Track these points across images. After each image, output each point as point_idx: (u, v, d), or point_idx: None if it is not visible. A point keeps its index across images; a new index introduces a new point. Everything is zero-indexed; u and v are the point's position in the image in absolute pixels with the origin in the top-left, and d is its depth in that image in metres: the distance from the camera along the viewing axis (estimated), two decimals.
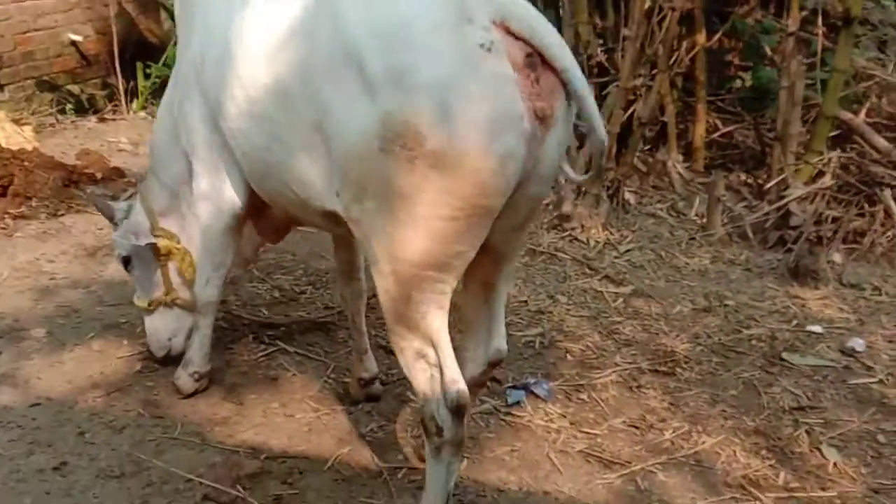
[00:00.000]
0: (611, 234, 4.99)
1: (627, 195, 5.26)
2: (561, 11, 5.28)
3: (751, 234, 4.91)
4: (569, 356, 3.74)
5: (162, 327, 3.47)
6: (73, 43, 7.12)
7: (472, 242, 2.25)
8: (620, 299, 4.29)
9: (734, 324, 4.06)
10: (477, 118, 2.06)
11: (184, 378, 3.31)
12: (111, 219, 3.47)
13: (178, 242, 3.37)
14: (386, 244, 2.24)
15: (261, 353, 3.64)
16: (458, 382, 2.31)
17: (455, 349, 2.37)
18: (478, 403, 3.31)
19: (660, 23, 5.08)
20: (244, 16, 2.68)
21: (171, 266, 3.39)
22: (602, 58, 5.28)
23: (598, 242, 4.89)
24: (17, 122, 6.17)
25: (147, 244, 3.33)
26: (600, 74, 5.34)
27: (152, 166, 3.44)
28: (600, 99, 5.30)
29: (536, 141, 2.15)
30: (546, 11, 5.43)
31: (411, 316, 2.29)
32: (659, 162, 5.63)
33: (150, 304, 3.43)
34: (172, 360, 3.46)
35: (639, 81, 4.93)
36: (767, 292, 4.40)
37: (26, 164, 5.01)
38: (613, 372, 3.60)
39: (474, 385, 2.62)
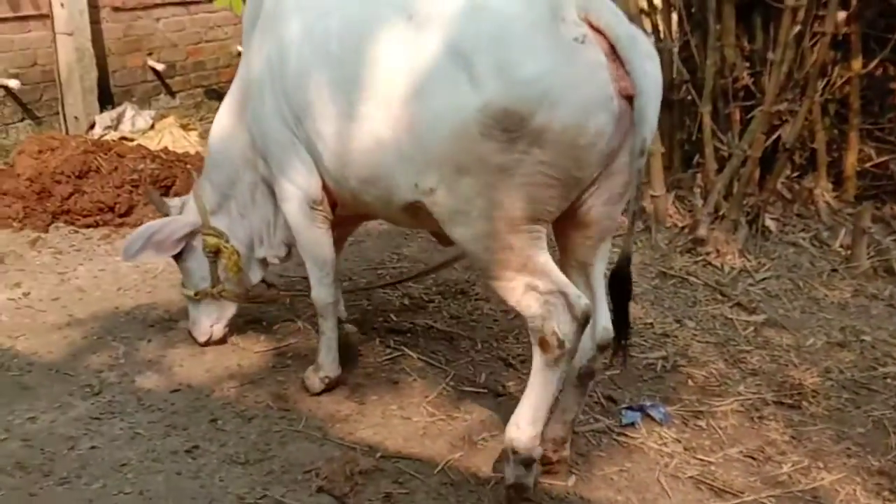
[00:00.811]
0: (747, 260, 4.87)
1: (769, 222, 5.12)
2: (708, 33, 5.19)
3: None
4: (690, 381, 3.70)
5: (205, 315, 3.72)
6: (241, 54, 7.54)
7: (563, 203, 2.55)
8: (751, 328, 4.20)
9: (869, 360, 3.91)
10: (576, 102, 2.36)
11: (313, 380, 3.47)
12: (166, 215, 3.70)
13: (227, 241, 3.59)
14: (483, 208, 2.51)
15: (385, 357, 3.77)
16: (581, 297, 2.57)
17: None
18: (591, 422, 3.34)
19: (811, 46, 4.94)
20: (333, 24, 2.86)
21: (221, 262, 3.62)
22: (749, 81, 5.16)
23: (732, 269, 4.79)
24: (184, 127, 6.64)
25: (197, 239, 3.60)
26: (746, 98, 5.23)
27: (206, 168, 3.68)
28: (744, 124, 5.20)
29: (626, 117, 2.42)
30: (694, 33, 5.39)
31: (515, 260, 2.56)
32: (805, 189, 5.45)
33: (196, 295, 3.67)
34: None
35: (783, 106, 4.79)
36: None
37: (189, 166, 5.36)
38: (735, 401, 3.54)
39: (586, 375, 2.86)
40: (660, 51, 5.55)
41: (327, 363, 3.45)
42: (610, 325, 2.81)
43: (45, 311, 4.05)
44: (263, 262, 3.74)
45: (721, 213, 4.95)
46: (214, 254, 3.61)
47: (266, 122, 3.20)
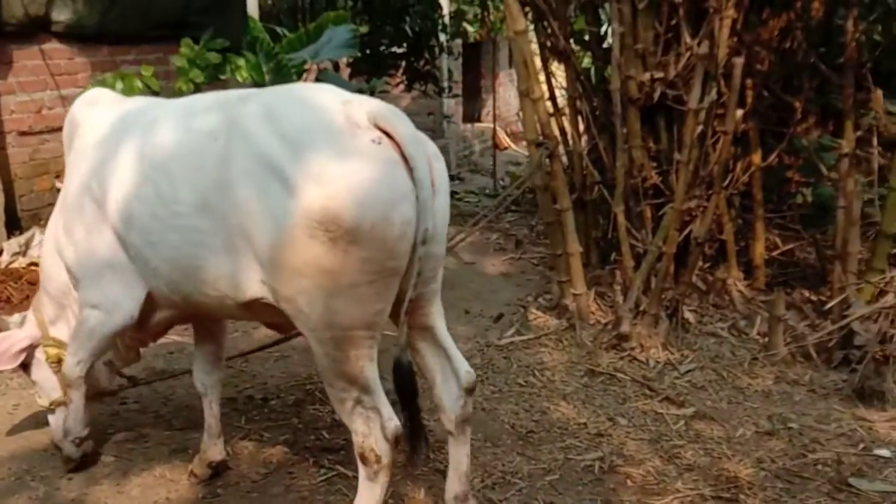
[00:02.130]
0: (671, 353, 4.96)
1: (687, 314, 5.24)
2: (615, 136, 5.40)
3: (814, 354, 4.83)
4: (629, 482, 3.69)
5: (61, 425, 3.71)
6: None
7: (388, 299, 2.75)
8: (682, 422, 4.25)
9: (799, 448, 3.97)
10: (380, 196, 2.58)
11: (67, 446, 3.63)
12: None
13: (66, 349, 3.61)
14: (320, 314, 2.69)
15: (320, 479, 3.67)
16: (393, 419, 2.82)
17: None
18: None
19: (713, 145, 5.17)
20: (153, 142, 3.07)
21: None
22: (657, 180, 5.36)
23: (657, 363, 4.87)
24: None
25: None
26: (655, 196, 5.42)
27: (42, 280, 3.75)
28: (656, 220, 5.37)
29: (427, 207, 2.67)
30: (601, 136, 5.59)
31: (350, 370, 2.76)
32: (718, 280, 5.62)
33: (51, 405, 3.71)
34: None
35: (693, 202, 4.98)
36: (833, 414, 4.30)
37: None
38: (675, 499, 3.54)
39: (462, 422, 3.13)
40: (570, 154, 5.83)
41: (75, 425, 3.60)
42: (471, 369, 3.13)
43: None
44: (111, 364, 3.83)
45: (641, 309, 5.05)
46: (57, 363, 3.64)
47: (81, 237, 3.33)
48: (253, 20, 9.21)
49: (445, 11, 11.52)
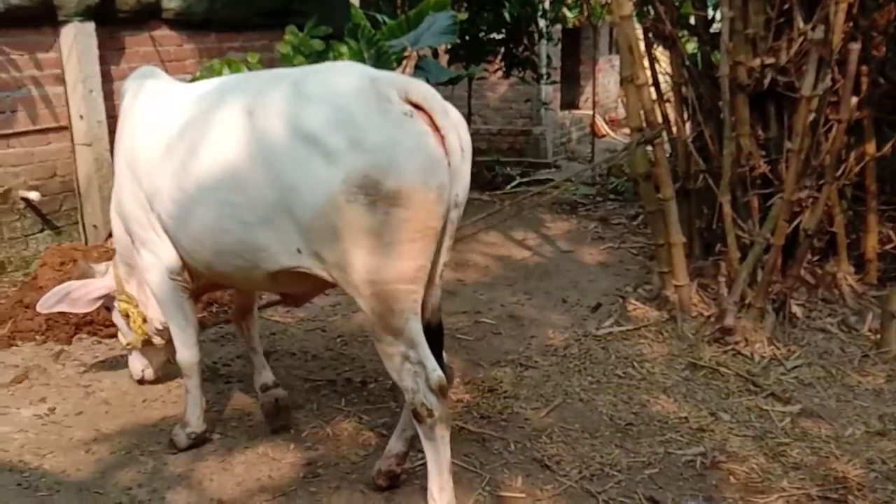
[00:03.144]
0: (777, 349, 4.81)
1: (794, 308, 5.07)
2: (722, 123, 5.25)
3: None
4: (732, 478, 3.61)
5: (136, 362, 4.28)
6: None
7: (428, 256, 2.94)
8: (787, 419, 4.12)
9: None
10: (417, 164, 2.80)
11: (180, 436, 3.79)
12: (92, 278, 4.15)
13: (136, 305, 4.00)
14: (367, 272, 2.88)
15: (418, 462, 3.68)
16: (437, 370, 2.94)
17: None
18: None
19: (826, 133, 4.98)
20: (172, 126, 3.32)
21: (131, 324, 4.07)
22: (765, 169, 5.19)
23: (763, 357, 4.73)
24: None
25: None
26: (763, 185, 5.25)
27: (114, 242, 4.06)
28: (763, 211, 5.21)
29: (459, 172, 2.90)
30: (707, 123, 5.45)
31: (395, 324, 2.94)
32: (828, 274, 5.42)
33: (127, 345, 4.18)
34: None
35: (804, 193, 4.80)
36: None
37: None
38: (780, 497, 3.45)
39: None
40: (673, 141, 5.70)
41: (193, 419, 3.79)
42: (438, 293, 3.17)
43: (72, 427, 4.00)
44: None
45: (747, 302, 4.91)
46: (126, 317, 4.06)
47: (127, 206, 3.63)
48: (354, 7, 9.30)
49: None
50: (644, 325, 5.23)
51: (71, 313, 4.94)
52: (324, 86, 2.97)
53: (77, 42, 6.24)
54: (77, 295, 4.01)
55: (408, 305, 2.93)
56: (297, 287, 3.45)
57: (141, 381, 4.32)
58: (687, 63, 5.69)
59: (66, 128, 6.42)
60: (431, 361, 2.96)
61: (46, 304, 3.97)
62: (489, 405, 4.24)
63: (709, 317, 5.09)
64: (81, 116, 6.37)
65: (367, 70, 3.07)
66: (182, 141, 3.25)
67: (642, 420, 4.11)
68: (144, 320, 4.00)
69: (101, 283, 4.07)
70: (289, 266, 3.08)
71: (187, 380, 3.80)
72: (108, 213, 6.42)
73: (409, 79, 3.03)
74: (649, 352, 4.88)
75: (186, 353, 3.75)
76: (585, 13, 16.43)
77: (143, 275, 3.74)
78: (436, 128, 2.86)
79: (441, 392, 2.94)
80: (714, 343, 4.88)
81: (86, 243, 6.32)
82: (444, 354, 3.18)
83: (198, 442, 3.81)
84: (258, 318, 4.25)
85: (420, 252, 2.90)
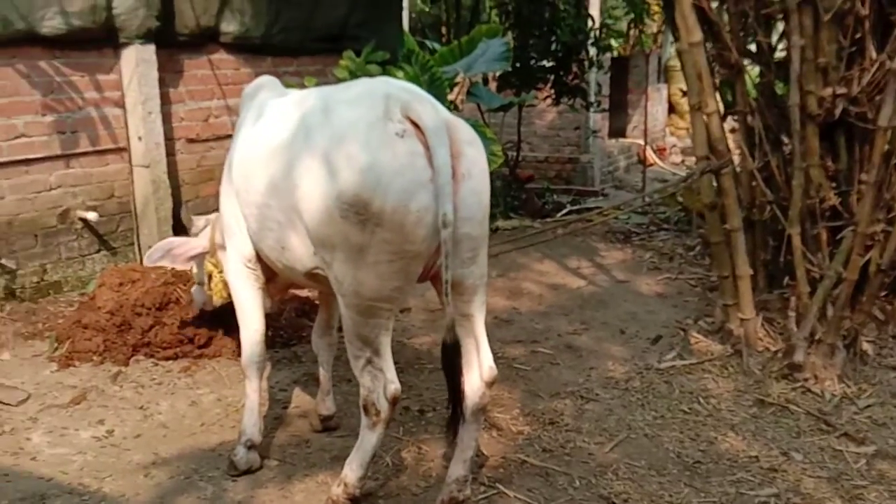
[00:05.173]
0: (847, 387, 4.66)
1: (865, 345, 4.92)
2: (791, 153, 5.13)
3: None
4: None
5: (199, 295, 4.63)
6: None
7: (407, 278, 3.08)
8: (863, 460, 3.97)
9: None
10: (399, 186, 2.88)
11: (239, 452, 3.76)
12: (189, 229, 4.38)
13: (220, 271, 4.09)
14: (350, 283, 3.06)
15: (481, 496, 3.60)
16: (394, 382, 3.19)
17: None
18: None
19: None
20: (252, 132, 3.52)
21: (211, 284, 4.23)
22: (836, 201, 5.06)
23: (833, 395, 4.57)
24: None
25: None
26: (833, 218, 5.11)
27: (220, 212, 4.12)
28: (833, 244, 5.07)
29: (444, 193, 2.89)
30: (774, 153, 5.32)
31: (367, 334, 3.14)
32: None
33: (199, 282, 4.51)
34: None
35: (878, 227, 4.66)
36: None
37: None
38: None
39: (477, 409, 3.34)
40: (737, 172, 5.58)
41: (249, 426, 3.80)
42: (494, 365, 3.32)
43: (130, 450, 3.96)
44: None
45: (817, 338, 4.76)
46: (209, 277, 4.24)
47: (223, 195, 3.80)
48: (406, 34, 9.32)
49: (597, 24, 11.31)
50: (708, 359, 5.10)
51: (129, 333, 4.97)
52: (342, 103, 3.11)
53: (137, 64, 6.28)
54: (178, 252, 4.18)
55: (381, 322, 3.13)
56: None
57: (198, 312, 4.84)
58: (754, 92, 5.58)
59: (125, 149, 6.46)
60: (392, 373, 3.20)
61: (151, 258, 4.15)
62: (551, 438, 4.15)
63: (776, 352, 4.95)
64: (140, 138, 6.40)
65: (391, 86, 3.15)
66: (255, 149, 3.43)
67: (711, 458, 3.98)
68: (225, 286, 4.07)
69: (199, 242, 4.22)
70: (311, 267, 3.27)
71: (246, 382, 3.87)
72: (164, 236, 6.50)
73: (415, 95, 3.09)
74: (714, 387, 4.75)
75: (248, 350, 3.82)
76: (631, 42, 16.41)
77: (225, 264, 3.91)
78: (427, 146, 2.91)
79: (393, 402, 3.20)
80: (782, 379, 4.73)
81: (142, 264, 6.33)
82: (492, 367, 3.31)
83: (255, 463, 3.78)
84: (337, 339, 4.21)
85: (397, 273, 3.02)
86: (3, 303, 5.73)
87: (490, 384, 3.32)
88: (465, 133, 3.08)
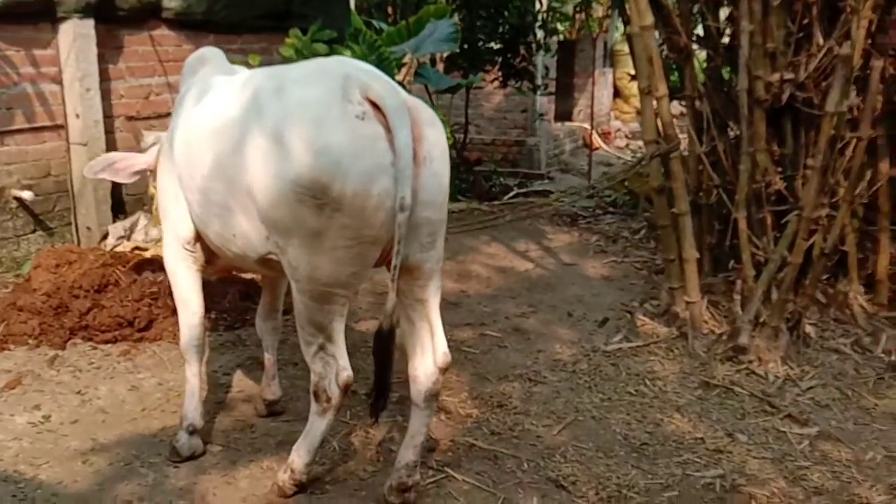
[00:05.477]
0: (791, 368, 4.72)
1: (808, 328, 4.99)
2: (738, 138, 5.17)
3: None
4: (753, 502, 3.50)
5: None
6: None
7: (364, 263, 3.01)
8: (806, 441, 4.02)
9: None
10: (360, 170, 2.80)
11: (181, 438, 3.65)
12: (139, 144, 4.29)
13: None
14: (305, 269, 2.98)
15: (430, 480, 3.56)
16: (347, 369, 3.13)
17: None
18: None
19: (842, 150, 4.89)
20: (196, 111, 3.40)
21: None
22: (781, 185, 5.11)
23: (777, 377, 4.63)
24: None
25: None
26: (778, 202, 5.17)
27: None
28: (778, 228, 5.12)
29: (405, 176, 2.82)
30: (720, 138, 5.36)
31: (320, 320, 3.07)
32: (840, 293, 5.34)
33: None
34: None
35: (823, 212, 4.71)
36: None
37: (211, 279, 5.22)
38: None
39: (430, 395, 3.28)
40: (688, 156, 5.61)
41: (190, 410, 3.70)
42: (448, 350, 3.26)
43: (68, 436, 3.84)
44: None
45: (761, 320, 4.81)
46: (151, 199, 4.20)
47: (160, 172, 3.73)
48: (353, 13, 9.20)
49: (544, 7, 11.30)
50: (654, 341, 5.13)
51: (66, 316, 4.82)
52: (298, 83, 3.00)
53: (75, 40, 6.08)
54: (120, 166, 4.03)
55: (336, 308, 3.07)
56: None
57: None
58: (702, 77, 5.60)
59: (62, 127, 6.26)
60: (344, 360, 3.14)
61: (93, 170, 4.02)
62: (499, 421, 4.13)
63: (721, 335, 5.00)
64: (77, 115, 6.20)
65: (349, 67, 3.05)
66: (200, 129, 3.30)
67: (657, 440, 4.00)
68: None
69: (144, 158, 4.05)
70: (264, 253, 3.17)
71: (186, 366, 3.78)
72: (102, 216, 6.33)
73: (373, 76, 3.01)
74: (661, 369, 4.77)
75: (186, 333, 3.74)
76: (577, 26, 16.44)
77: (163, 246, 3.81)
78: (388, 128, 2.84)
79: (345, 389, 3.14)
80: (727, 361, 4.78)
81: (79, 245, 6.15)
82: (446, 353, 3.25)
83: (198, 448, 3.69)
84: (282, 322, 4.16)
85: (354, 259, 2.96)
86: None
87: (444, 370, 3.27)
88: (426, 114, 3.01)
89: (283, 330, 4.16)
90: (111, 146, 6.51)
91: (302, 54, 6.79)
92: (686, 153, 5.47)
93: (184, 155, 3.39)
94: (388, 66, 7.74)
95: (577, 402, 4.36)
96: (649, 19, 4.89)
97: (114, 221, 6.41)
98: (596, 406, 4.33)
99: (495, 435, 3.99)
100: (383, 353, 3.13)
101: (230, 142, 3.08)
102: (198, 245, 3.61)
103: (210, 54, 3.84)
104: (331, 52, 6.93)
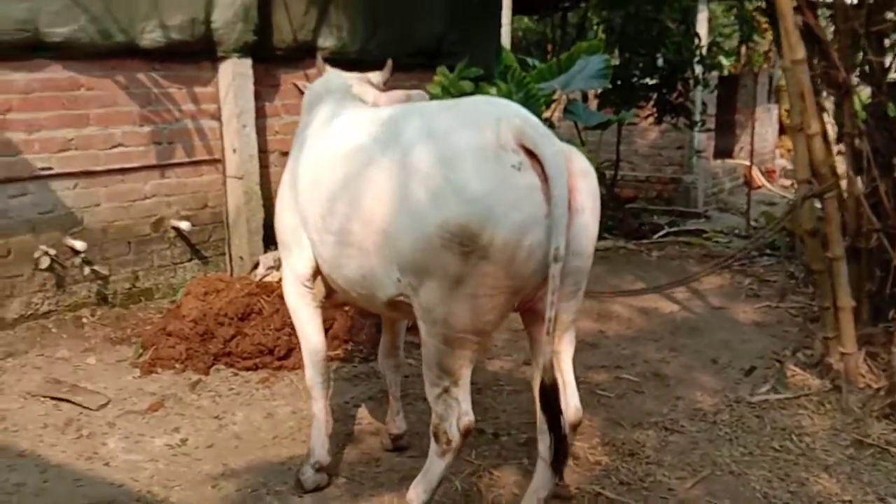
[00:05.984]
0: None
1: None
2: None
3: None
4: None
5: None
6: None
7: (501, 312, 2.94)
8: None
9: None
10: (514, 220, 2.72)
11: (307, 472, 3.71)
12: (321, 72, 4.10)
13: None
14: (440, 314, 2.90)
15: None
16: (468, 414, 3.05)
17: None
18: None
19: None
20: (325, 148, 3.38)
21: None
22: None
23: None
24: None
25: None
26: None
27: None
28: None
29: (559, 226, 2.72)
30: (883, 178, 5.00)
31: (450, 365, 2.99)
32: None
33: None
34: None
35: None
36: None
37: (347, 310, 5.32)
38: None
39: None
40: (846, 197, 5.27)
41: (317, 447, 3.74)
42: (579, 405, 3.18)
43: (201, 460, 3.97)
44: None
45: None
46: None
47: (280, 204, 3.73)
48: (506, 51, 9.25)
49: (704, 42, 11.00)
50: (804, 394, 4.81)
51: (211, 342, 5.01)
52: (448, 125, 2.90)
53: (234, 78, 6.39)
54: None
55: (467, 353, 2.99)
56: None
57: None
58: (863, 114, 5.27)
59: (219, 161, 6.58)
60: (467, 404, 3.07)
61: None
62: (630, 470, 3.96)
63: (878, 389, 4.63)
64: (234, 150, 6.50)
65: (499, 107, 2.96)
66: (331, 166, 3.27)
67: (800, 500, 3.73)
68: None
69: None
70: (394, 295, 3.09)
71: (313, 403, 3.81)
72: (254, 247, 6.58)
73: (528, 120, 2.89)
74: (809, 424, 4.47)
75: (310, 371, 3.77)
76: (742, 61, 15.94)
77: (283, 284, 3.85)
78: (545, 178, 2.74)
79: (465, 433, 3.05)
80: (884, 419, 4.42)
81: (231, 274, 6.42)
82: (578, 408, 3.18)
83: (322, 482, 3.72)
84: (405, 360, 4.19)
85: (494, 307, 2.89)
86: (95, 308, 5.89)
87: (575, 426, 3.18)
88: (579, 164, 2.93)
89: (406, 365, 4.15)
90: (265, 180, 6.79)
91: (448, 91, 6.87)
92: (845, 195, 5.14)
93: (310, 193, 3.36)
94: (535, 103, 7.73)
95: (716, 455, 4.13)
96: (801, 53, 4.64)
97: (265, 252, 6.66)
98: (735, 460, 4.09)
99: (624, 485, 3.83)
100: (551, 410, 2.96)
101: (369, 183, 3.01)
102: (317, 281, 3.62)
103: (335, 84, 3.81)
104: (476, 90, 6.98)
